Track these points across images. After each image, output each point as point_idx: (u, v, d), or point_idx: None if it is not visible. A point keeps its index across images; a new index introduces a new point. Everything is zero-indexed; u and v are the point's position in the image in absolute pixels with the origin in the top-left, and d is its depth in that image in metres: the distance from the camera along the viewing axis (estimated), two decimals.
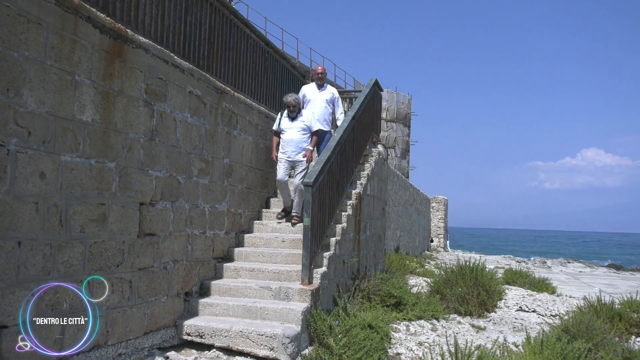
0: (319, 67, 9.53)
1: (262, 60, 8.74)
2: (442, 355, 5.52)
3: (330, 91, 9.34)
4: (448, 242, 41.75)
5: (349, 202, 8.51)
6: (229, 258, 7.28)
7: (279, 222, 8.03)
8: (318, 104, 9.11)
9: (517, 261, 32.78)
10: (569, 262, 36.70)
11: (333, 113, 9.45)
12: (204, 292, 6.60)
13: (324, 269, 6.99)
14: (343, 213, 8.21)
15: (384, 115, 34.89)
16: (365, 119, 9.77)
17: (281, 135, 8.15)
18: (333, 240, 7.56)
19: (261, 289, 6.50)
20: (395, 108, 36.65)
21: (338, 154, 7.84)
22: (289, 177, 8.21)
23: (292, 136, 8.07)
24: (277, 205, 8.65)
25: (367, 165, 9.81)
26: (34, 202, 4.14)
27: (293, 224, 7.89)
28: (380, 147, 10.90)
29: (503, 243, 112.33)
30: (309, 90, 9.32)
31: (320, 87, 9.28)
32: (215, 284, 6.66)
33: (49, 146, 4.28)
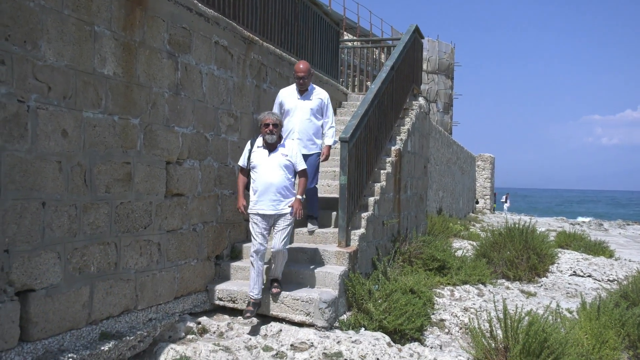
0: (300, 65, 6.83)
1: (292, 7, 8.63)
2: (490, 322, 5.52)
3: (318, 97, 6.93)
4: (507, 205, 41.17)
5: (388, 159, 8.47)
6: None
7: (247, 320, 5.78)
8: (299, 117, 6.79)
9: (571, 223, 32.38)
10: (628, 225, 36.10)
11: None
12: (236, 255, 6.70)
13: (362, 230, 7.01)
14: (382, 171, 8.17)
15: (424, 66, 34.34)
16: (405, 69, 9.63)
17: (252, 176, 5.87)
18: (371, 200, 7.56)
19: (295, 251, 6.57)
20: (437, 58, 36.02)
21: (376, 107, 7.76)
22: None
23: (271, 178, 5.73)
24: None
25: (407, 119, 9.71)
26: (57, 161, 4.23)
27: (274, 295, 5.85)
28: (421, 100, 10.76)
29: (555, 204, 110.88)
30: (287, 96, 6.93)
31: (303, 92, 6.88)
32: (247, 246, 6.74)
33: (70, 102, 4.34)
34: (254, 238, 5.78)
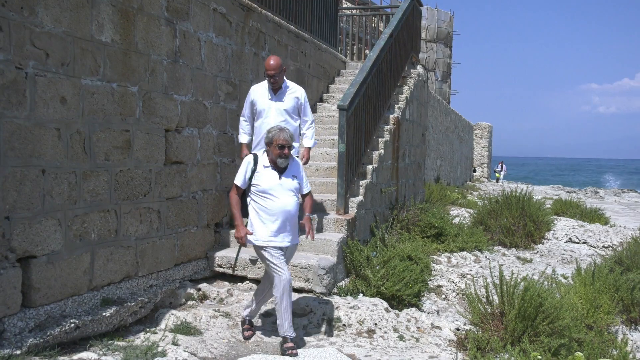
0: (271, 61, 5.88)
1: None
2: (486, 287, 5.56)
3: (294, 95, 6.14)
4: (503, 173, 40.98)
5: (387, 127, 8.44)
6: None
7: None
8: (273, 119, 5.94)
9: (567, 191, 32.44)
10: (623, 192, 36.19)
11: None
12: None
13: (360, 198, 7.02)
14: (380, 139, 8.15)
15: (423, 35, 33.98)
16: (404, 37, 9.53)
17: (261, 201, 4.74)
18: (370, 167, 7.55)
19: None
20: (436, 27, 35.64)
21: (374, 76, 7.71)
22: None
23: (288, 205, 4.75)
24: None
25: (405, 87, 9.65)
26: (56, 129, 4.20)
27: (247, 337, 4.99)
28: (420, 68, 10.69)
29: (552, 173, 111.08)
30: (259, 96, 6.11)
31: (276, 91, 6.06)
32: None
33: (69, 69, 4.29)
34: (281, 270, 4.63)
